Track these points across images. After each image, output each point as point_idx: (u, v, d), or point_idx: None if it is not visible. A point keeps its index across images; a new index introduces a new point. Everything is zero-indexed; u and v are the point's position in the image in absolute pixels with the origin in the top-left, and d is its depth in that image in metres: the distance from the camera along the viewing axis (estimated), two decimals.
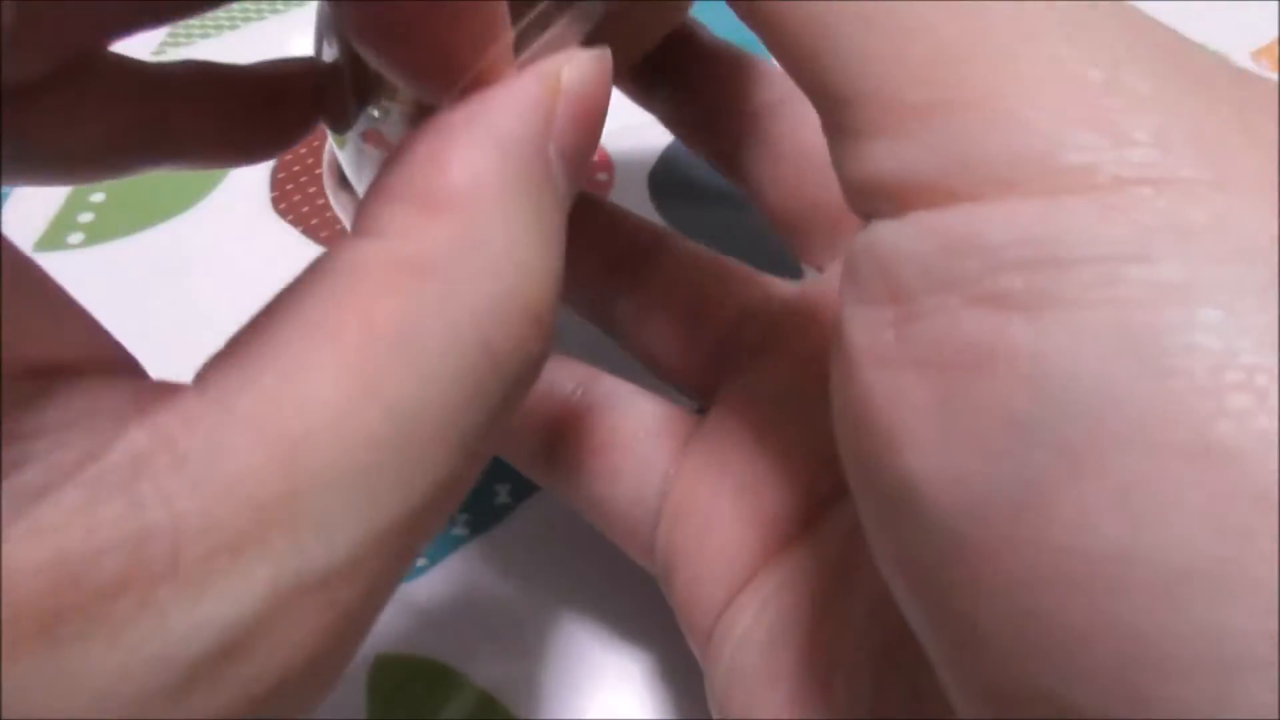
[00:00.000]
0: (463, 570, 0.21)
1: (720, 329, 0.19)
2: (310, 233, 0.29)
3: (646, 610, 0.21)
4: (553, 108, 0.11)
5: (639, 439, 0.18)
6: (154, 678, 0.08)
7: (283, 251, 0.29)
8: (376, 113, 0.16)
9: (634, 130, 0.26)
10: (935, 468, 0.09)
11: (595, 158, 0.29)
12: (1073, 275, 0.08)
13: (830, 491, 0.15)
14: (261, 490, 0.09)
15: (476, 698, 0.19)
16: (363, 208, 0.11)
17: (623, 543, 0.18)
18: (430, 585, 0.21)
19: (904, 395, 0.09)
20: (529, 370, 0.11)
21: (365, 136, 0.19)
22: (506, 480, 0.23)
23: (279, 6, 0.37)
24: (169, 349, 0.23)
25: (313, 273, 0.10)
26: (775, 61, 0.21)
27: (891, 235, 0.10)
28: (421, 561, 0.21)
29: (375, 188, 0.11)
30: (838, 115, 0.10)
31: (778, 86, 0.21)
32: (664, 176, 0.29)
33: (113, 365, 0.09)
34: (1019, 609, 0.08)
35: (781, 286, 0.19)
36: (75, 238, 0.28)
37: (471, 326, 0.10)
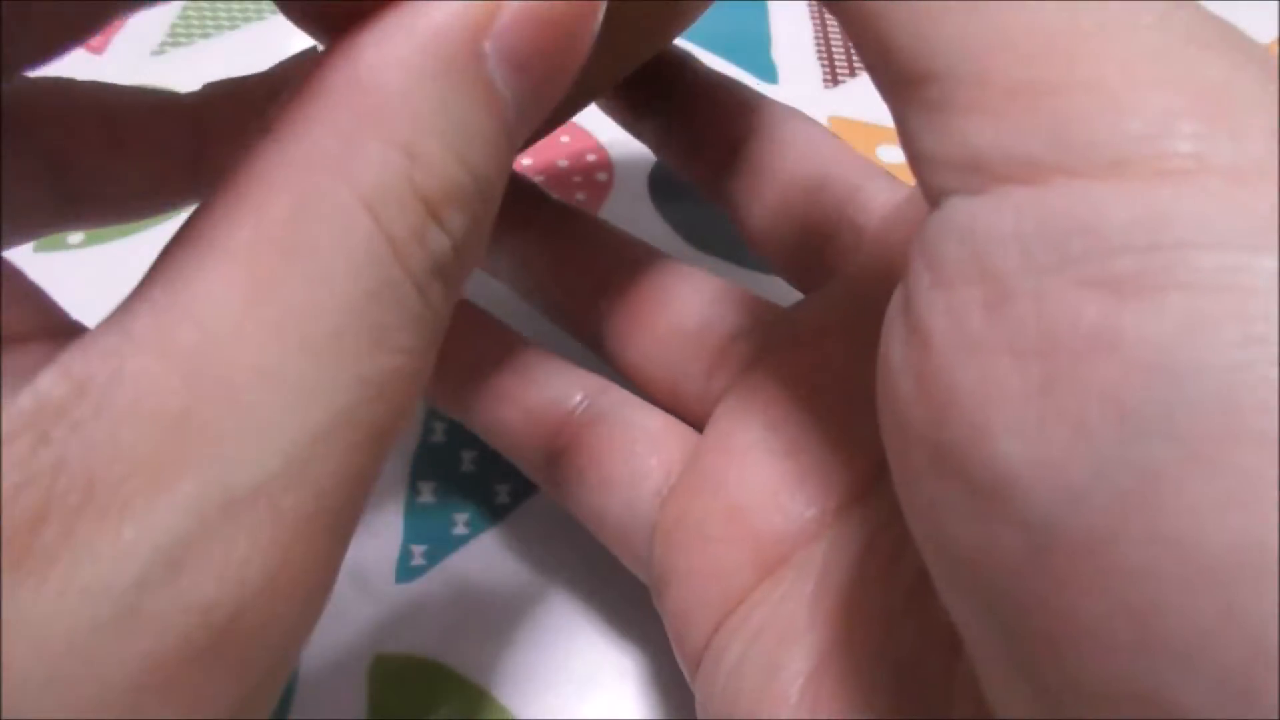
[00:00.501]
0: (463, 570, 0.21)
1: (712, 349, 0.19)
2: None
3: (646, 610, 0.21)
4: (493, 7, 0.10)
5: (635, 452, 0.18)
6: (90, 610, 0.08)
7: None
8: None
9: None
10: (1033, 456, 0.09)
11: (595, 157, 0.29)
12: (1194, 261, 0.08)
13: (823, 513, 0.15)
14: (166, 406, 0.09)
15: (476, 697, 0.19)
16: (275, 106, 0.10)
17: (619, 554, 0.19)
18: (430, 585, 0.21)
19: (997, 381, 0.09)
20: (448, 265, 0.10)
21: None
22: (506, 480, 0.23)
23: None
24: None
25: (214, 186, 0.10)
26: (759, 89, 0.21)
27: (985, 213, 0.09)
28: (421, 562, 0.21)
29: (290, 89, 0.10)
30: (922, 90, 0.10)
31: (763, 114, 0.21)
32: (664, 176, 0.29)
33: (59, 334, 0.09)
34: (1127, 604, 0.08)
35: (771, 307, 0.19)
36: (75, 237, 0.28)
37: (364, 214, 0.09)
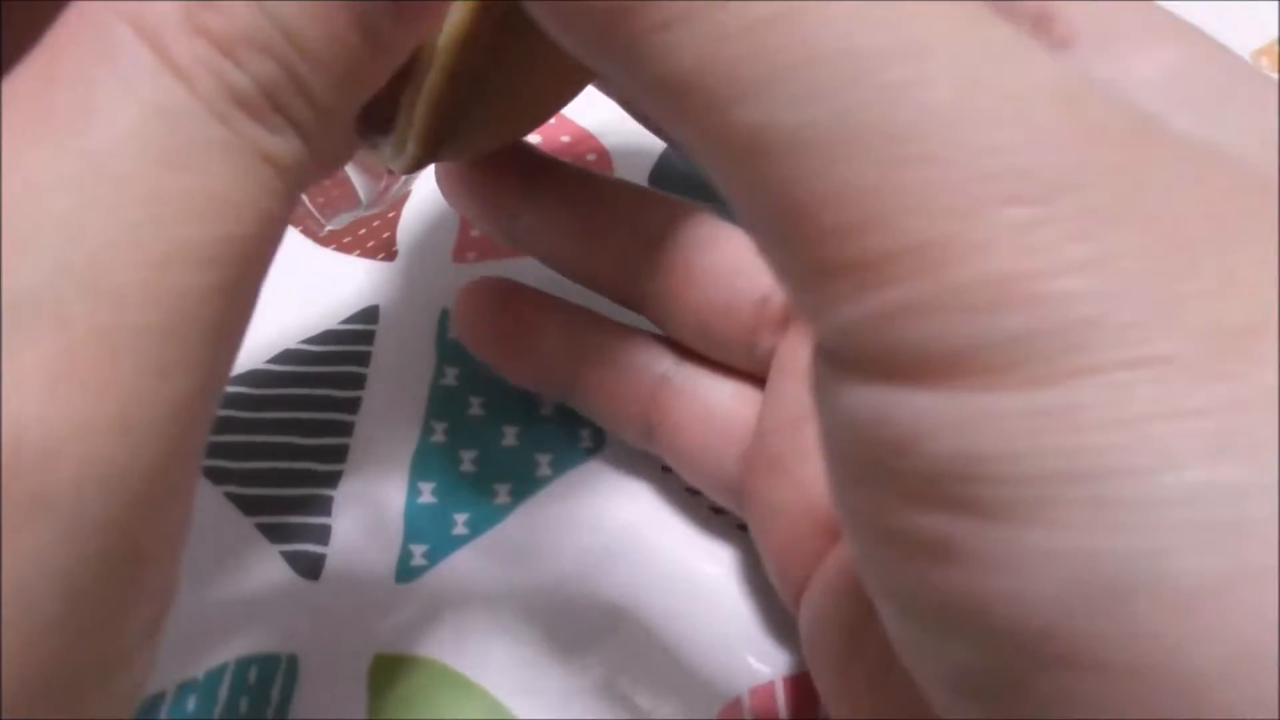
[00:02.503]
0: (463, 570, 0.21)
1: (760, 300, 0.19)
2: (308, 232, 0.29)
3: (647, 609, 0.21)
4: None
5: (714, 424, 0.20)
6: None
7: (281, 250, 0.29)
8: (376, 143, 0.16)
9: (634, 129, 0.26)
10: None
11: (595, 157, 0.29)
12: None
13: None
14: None
15: (476, 697, 0.19)
16: None
17: (716, 498, 0.21)
18: (430, 585, 0.21)
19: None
20: (253, 102, 0.10)
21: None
22: (506, 480, 0.23)
23: None
24: None
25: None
26: (654, 188, 0.22)
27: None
28: (421, 562, 0.21)
29: None
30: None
31: (666, 209, 0.21)
32: (664, 175, 0.29)
33: None
34: None
35: None
36: None
37: (138, 40, 0.10)
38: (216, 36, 0.10)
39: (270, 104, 0.11)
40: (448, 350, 0.25)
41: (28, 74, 0.10)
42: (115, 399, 0.09)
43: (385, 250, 0.27)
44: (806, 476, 0.17)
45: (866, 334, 0.09)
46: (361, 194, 0.21)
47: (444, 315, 0.25)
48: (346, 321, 0.25)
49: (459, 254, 0.27)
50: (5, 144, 0.09)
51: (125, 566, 0.10)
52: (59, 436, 0.09)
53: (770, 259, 0.10)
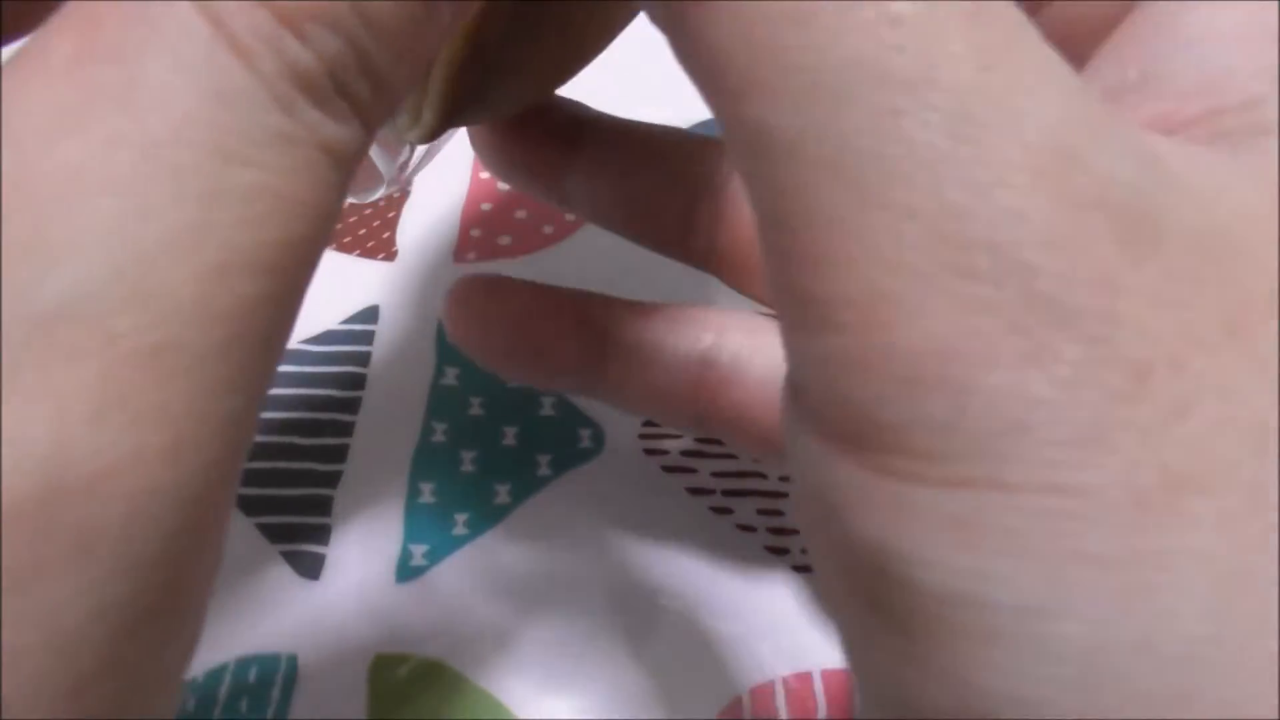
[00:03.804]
0: (463, 570, 0.21)
1: None
2: None
3: (647, 610, 0.21)
4: None
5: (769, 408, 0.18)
6: None
7: None
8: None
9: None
10: None
11: None
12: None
13: None
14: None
15: (476, 697, 0.19)
16: None
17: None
18: (430, 585, 0.21)
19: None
20: (318, 83, 0.09)
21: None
22: (506, 480, 0.23)
23: None
24: None
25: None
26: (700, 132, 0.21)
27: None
28: (421, 562, 0.21)
29: None
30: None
31: (722, 155, 0.20)
32: None
33: None
34: None
35: None
36: None
37: (198, 16, 0.09)
38: (279, 6, 0.09)
39: (334, 86, 0.09)
40: (448, 350, 0.25)
41: (59, 48, 0.09)
42: (168, 426, 0.08)
43: (385, 250, 0.27)
44: None
45: (815, 380, 0.09)
46: (383, 170, 0.21)
47: None
48: (346, 321, 0.25)
49: (459, 254, 0.27)
50: (38, 128, 0.08)
51: (171, 597, 0.09)
52: (107, 471, 0.08)
53: (763, 261, 0.10)
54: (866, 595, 0.09)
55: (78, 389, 0.08)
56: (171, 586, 0.09)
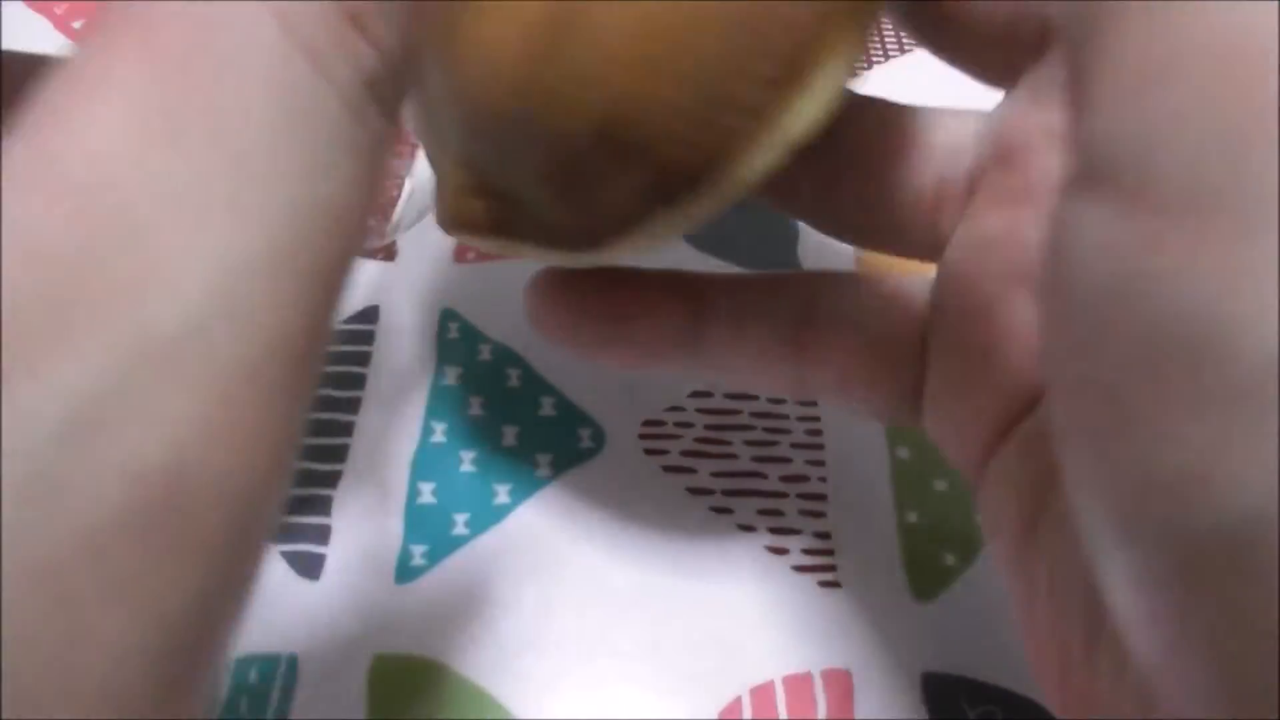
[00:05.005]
0: (463, 570, 0.21)
1: (933, 180, 0.18)
2: None
3: (646, 609, 0.21)
4: None
5: (881, 323, 0.18)
6: (11, 469, 0.07)
7: None
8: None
9: None
10: None
11: None
12: None
13: None
14: (58, 248, 0.08)
15: (476, 697, 0.19)
16: None
17: (880, 416, 0.19)
18: (430, 585, 0.21)
19: None
20: (380, 82, 0.09)
21: None
22: (506, 480, 0.23)
23: None
24: None
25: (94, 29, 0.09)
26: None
27: None
28: (421, 562, 0.21)
29: None
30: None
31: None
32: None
33: None
34: None
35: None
36: None
37: (274, 23, 0.08)
38: (347, 6, 0.08)
39: (394, 89, 0.09)
40: (448, 350, 0.25)
41: (121, 60, 0.08)
42: (267, 438, 0.09)
43: (385, 250, 0.27)
44: (1000, 349, 0.16)
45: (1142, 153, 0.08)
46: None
47: (444, 315, 0.25)
48: (347, 321, 0.25)
49: (460, 254, 0.27)
50: (117, 140, 0.08)
51: (242, 587, 0.09)
52: (221, 487, 0.08)
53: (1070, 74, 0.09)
54: (1175, 377, 0.08)
55: (191, 414, 0.08)
56: (247, 577, 0.09)
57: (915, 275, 0.18)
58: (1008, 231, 0.16)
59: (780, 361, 0.19)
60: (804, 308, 0.18)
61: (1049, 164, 0.16)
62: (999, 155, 0.17)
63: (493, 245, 0.17)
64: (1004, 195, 0.17)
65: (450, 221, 0.17)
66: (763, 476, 0.23)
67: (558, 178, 0.16)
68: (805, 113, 0.15)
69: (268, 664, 0.20)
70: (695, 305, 0.18)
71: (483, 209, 0.17)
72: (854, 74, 0.15)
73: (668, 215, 0.16)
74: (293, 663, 0.20)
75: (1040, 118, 0.16)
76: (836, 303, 0.18)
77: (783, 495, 0.22)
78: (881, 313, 0.18)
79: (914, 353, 0.18)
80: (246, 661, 0.20)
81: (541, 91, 0.15)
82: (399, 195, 0.21)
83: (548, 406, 0.24)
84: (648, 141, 0.15)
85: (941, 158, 0.18)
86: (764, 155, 0.15)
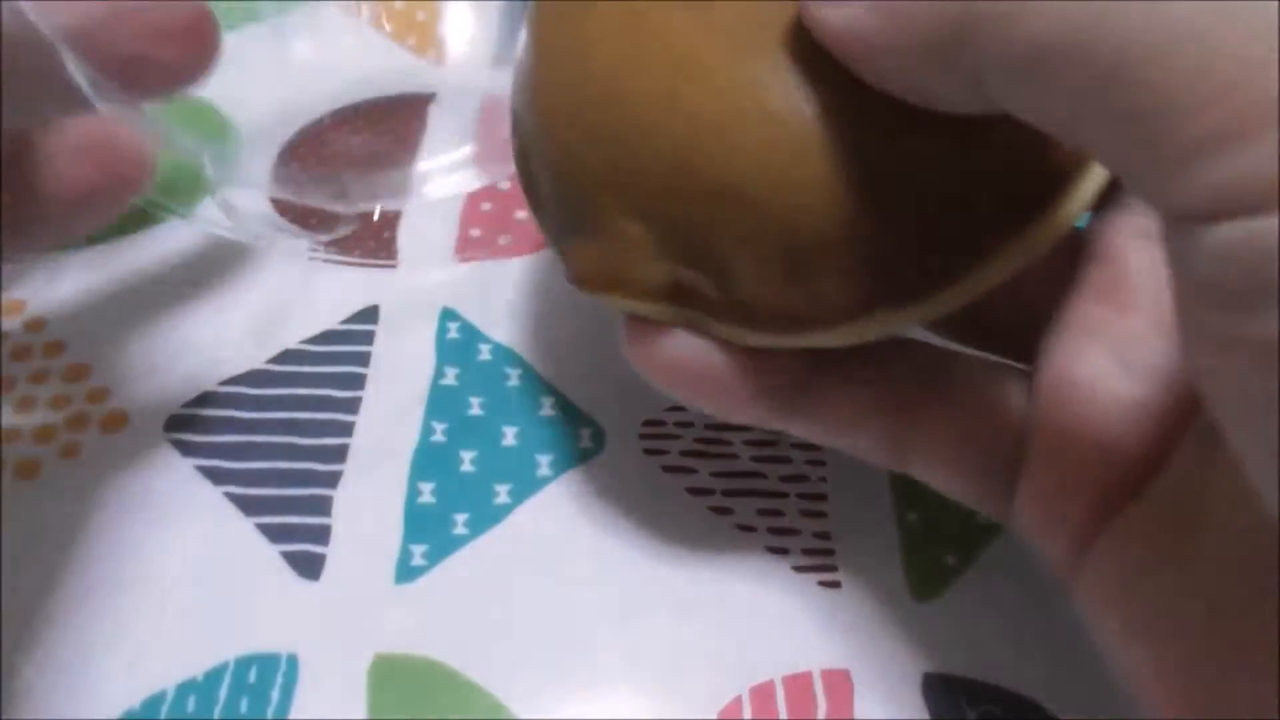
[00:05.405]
0: (463, 570, 0.21)
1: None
2: (307, 232, 0.29)
3: (647, 609, 0.21)
4: None
5: (977, 396, 0.18)
6: None
7: (280, 251, 0.29)
8: None
9: None
10: None
11: None
12: None
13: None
14: None
15: (476, 697, 0.19)
16: None
17: (975, 502, 0.18)
18: (430, 585, 0.21)
19: None
20: None
21: None
22: (506, 480, 0.23)
23: (279, 6, 0.37)
24: (171, 350, 0.23)
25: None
26: None
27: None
28: (421, 562, 0.21)
29: None
30: (1171, 131, 0.10)
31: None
32: None
33: None
34: None
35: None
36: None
37: None
38: None
39: None
40: (448, 350, 0.25)
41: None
42: None
43: (385, 250, 0.27)
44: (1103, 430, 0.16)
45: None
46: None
47: (444, 315, 0.25)
48: (346, 321, 0.25)
49: (459, 254, 0.27)
50: None
51: None
52: None
53: (1128, 164, 0.11)
54: None
55: None
56: None
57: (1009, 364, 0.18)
58: (1104, 321, 0.17)
59: (879, 421, 0.18)
60: (918, 372, 0.18)
61: (1143, 258, 0.16)
62: (1094, 254, 0.17)
63: (648, 310, 0.17)
64: (1100, 289, 0.17)
65: (601, 279, 0.16)
66: (763, 476, 0.23)
67: (781, 263, 0.15)
68: (1058, 225, 0.15)
69: (268, 664, 0.20)
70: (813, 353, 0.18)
71: (664, 273, 0.16)
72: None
73: (886, 317, 0.15)
74: (293, 662, 0.20)
75: (1131, 221, 0.17)
76: (948, 374, 0.18)
77: (783, 495, 0.22)
78: (984, 390, 0.18)
79: (1012, 433, 0.18)
80: (246, 661, 0.20)
81: (789, 186, 0.14)
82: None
83: (548, 406, 0.24)
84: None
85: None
86: (1010, 265, 0.15)
